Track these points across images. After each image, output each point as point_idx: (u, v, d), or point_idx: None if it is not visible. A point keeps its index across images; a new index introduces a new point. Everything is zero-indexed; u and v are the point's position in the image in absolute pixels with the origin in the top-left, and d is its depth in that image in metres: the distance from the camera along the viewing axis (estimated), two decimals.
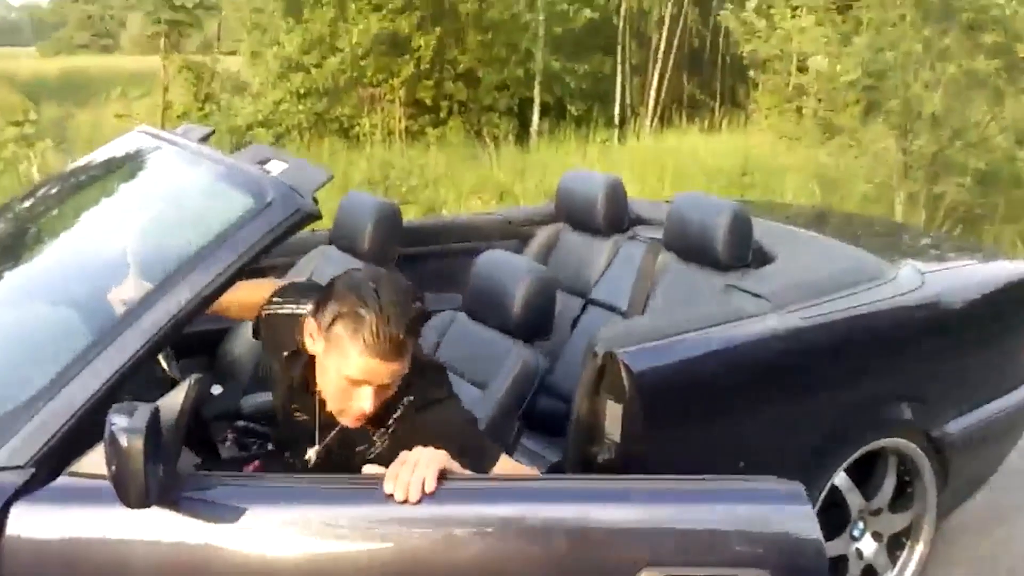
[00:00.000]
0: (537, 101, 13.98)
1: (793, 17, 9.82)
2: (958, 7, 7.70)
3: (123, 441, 1.36)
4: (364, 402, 1.73)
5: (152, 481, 1.39)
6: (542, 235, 3.32)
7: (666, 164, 9.24)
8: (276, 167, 2.04)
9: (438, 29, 13.57)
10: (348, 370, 1.71)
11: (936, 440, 2.62)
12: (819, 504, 2.40)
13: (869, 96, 8.72)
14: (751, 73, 11.95)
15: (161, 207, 2.16)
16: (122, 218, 2.19)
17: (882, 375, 2.52)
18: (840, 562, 2.57)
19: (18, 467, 1.53)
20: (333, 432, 1.87)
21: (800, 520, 1.53)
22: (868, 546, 2.62)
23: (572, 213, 3.24)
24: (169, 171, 2.22)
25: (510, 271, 2.39)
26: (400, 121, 13.05)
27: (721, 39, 15.72)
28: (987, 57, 7.78)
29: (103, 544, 1.53)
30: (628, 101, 15.19)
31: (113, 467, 1.38)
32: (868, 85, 8.25)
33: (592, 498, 1.60)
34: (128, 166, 2.34)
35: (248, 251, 1.73)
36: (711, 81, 16.32)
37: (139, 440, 1.36)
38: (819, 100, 9.78)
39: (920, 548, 2.70)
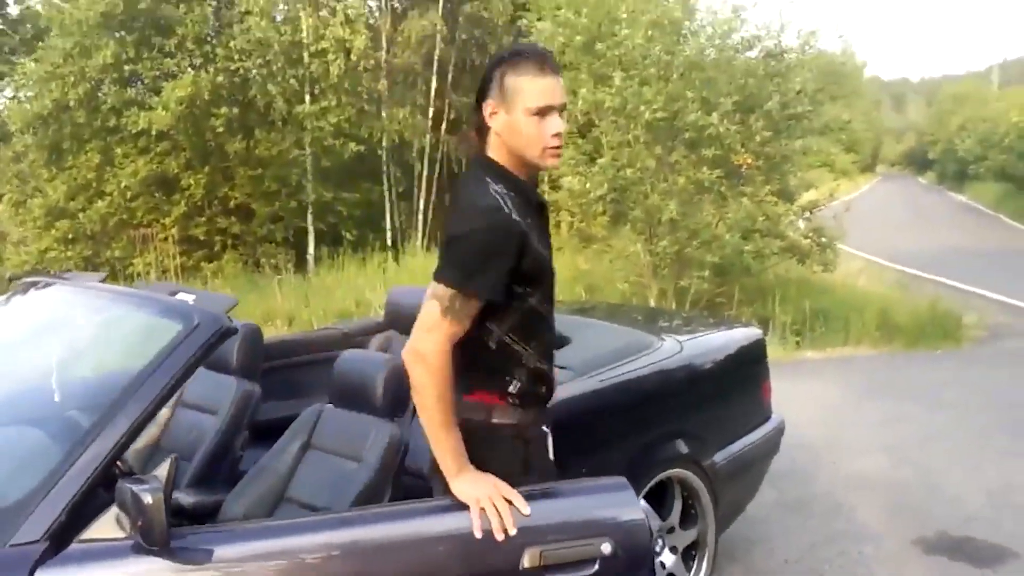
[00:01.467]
0: (311, 230, 14.58)
1: None
2: (681, 127, 9.04)
3: (148, 499, 1.84)
4: (556, 125, 2.02)
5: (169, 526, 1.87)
6: (375, 342, 3.90)
7: None
8: (188, 297, 2.58)
9: (207, 168, 13.91)
10: (532, 101, 1.99)
11: (707, 468, 3.39)
12: None
13: (615, 208, 9.92)
14: None
15: (99, 338, 2.59)
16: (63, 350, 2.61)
17: (661, 420, 3.28)
18: None
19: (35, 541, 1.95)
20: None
21: (626, 502, 2.20)
22: (668, 558, 3.32)
23: (400, 321, 3.84)
24: (91, 308, 2.66)
25: (370, 362, 2.96)
26: (175, 258, 13.21)
27: None
28: (709, 168, 9.18)
29: None
30: (397, 224, 16.04)
31: (139, 522, 1.85)
32: (613, 198, 9.42)
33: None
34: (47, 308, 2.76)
35: (185, 366, 2.24)
36: None
37: (161, 495, 1.84)
38: (572, 214, 10.91)
39: (707, 555, 3.43)
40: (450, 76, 16.69)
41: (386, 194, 15.82)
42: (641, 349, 3.40)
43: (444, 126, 16.63)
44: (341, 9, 14.03)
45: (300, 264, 14.13)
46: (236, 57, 13.45)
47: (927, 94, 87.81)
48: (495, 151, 2.09)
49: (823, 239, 10.20)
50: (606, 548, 2.12)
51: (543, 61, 2.02)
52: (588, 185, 9.40)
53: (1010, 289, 12.62)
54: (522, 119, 2.01)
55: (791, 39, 9.99)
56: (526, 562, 2.07)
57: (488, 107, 2.05)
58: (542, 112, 2.01)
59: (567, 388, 3.02)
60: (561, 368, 3.12)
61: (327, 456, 2.92)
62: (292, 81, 13.76)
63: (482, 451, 2.11)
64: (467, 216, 2.03)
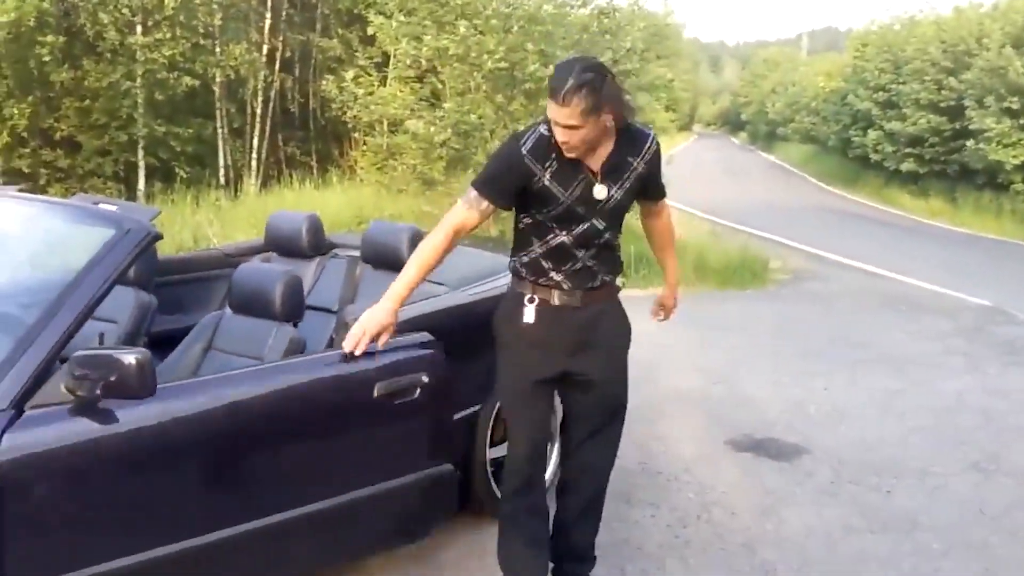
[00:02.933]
0: (142, 165, 14.27)
1: (384, 86, 11.28)
2: (520, 79, 9.53)
3: (132, 358, 2.23)
4: (560, 136, 2.61)
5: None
6: (255, 262, 4.21)
7: None
8: (110, 207, 2.86)
9: (31, 98, 13.37)
10: (550, 114, 2.62)
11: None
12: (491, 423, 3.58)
13: (455, 153, 10.33)
14: (356, 135, 13.32)
15: (35, 243, 2.84)
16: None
17: None
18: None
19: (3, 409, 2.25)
20: (602, 166, 2.74)
21: (434, 350, 2.73)
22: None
23: (280, 243, 4.18)
24: (22, 216, 2.90)
25: (268, 274, 3.31)
26: None
27: (315, 104, 17.01)
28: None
29: (78, 443, 2.31)
30: (230, 163, 15.89)
31: (112, 378, 2.22)
32: (455, 143, 9.84)
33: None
34: None
35: (120, 267, 2.56)
36: (308, 142, 17.50)
37: (148, 353, 2.24)
38: (413, 158, 11.20)
39: (555, 447, 3.97)
40: (284, 13, 16.60)
41: (219, 131, 15.62)
42: (500, 270, 3.87)
43: (278, 64, 16.54)
44: None
45: (130, 200, 13.85)
46: None
47: (742, 58, 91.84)
48: None
49: None
50: (424, 378, 3.06)
51: (555, 93, 2.57)
52: (432, 130, 9.77)
53: (811, 239, 13.94)
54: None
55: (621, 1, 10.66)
56: (375, 393, 2.95)
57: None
58: (556, 125, 2.62)
59: (443, 300, 3.49)
60: (437, 284, 3.58)
61: (228, 356, 3.26)
62: (125, 11, 13.37)
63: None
64: (504, 143, 2.86)
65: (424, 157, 10.97)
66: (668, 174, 9.81)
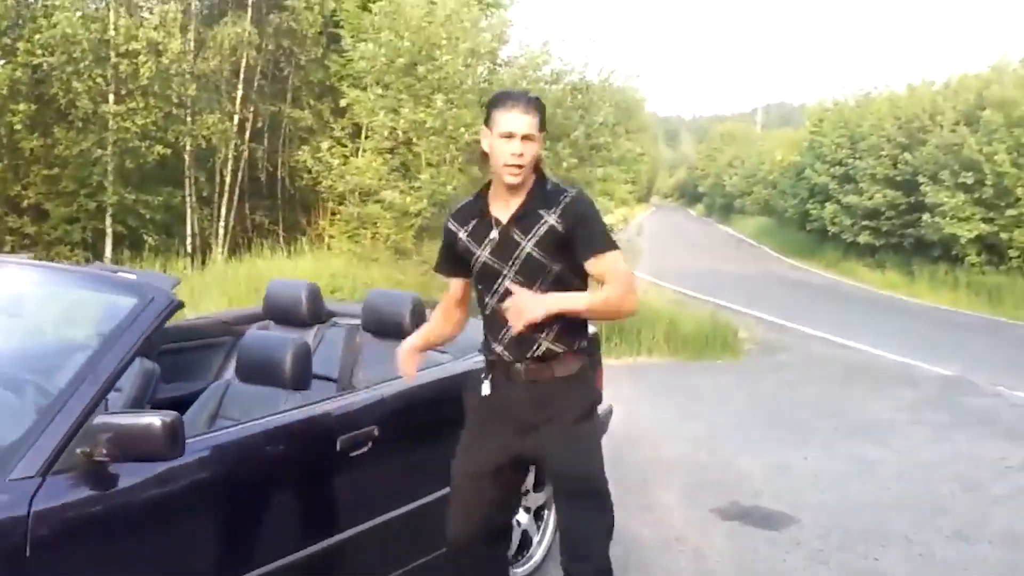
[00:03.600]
0: (109, 233, 14.21)
1: (356, 156, 11.42)
2: None
3: (158, 421, 2.28)
4: (514, 146, 2.56)
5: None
6: (252, 330, 4.23)
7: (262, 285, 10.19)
8: (129, 276, 2.90)
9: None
10: (499, 127, 2.59)
11: None
12: None
13: (428, 222, 10.44)
14: (326, 204, 13.40)
15: (57, 311, 2.86)
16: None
17: None
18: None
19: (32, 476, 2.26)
20: (510, 217, 2.66)
21: None
22: (523, 517, 3.86)
23: (279, 312, 4.21)
24: (40, 283, 2.92)
25: (276, 341, 3.34)
26: None
27: (284, 174, 17.09)
28: None
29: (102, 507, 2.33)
30: (197, 231, 15.87)
31: (141, 446, 2.26)
32: (432, 213, 9.95)
33: None
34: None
35: (144, 335, 2.60)
36: (276, 211, 17.53)
37: (177, 415, 2.28)
38: (387, 229, 11.27)
39: (554, 514, 4.00)
40: (256, 84, 16.75)
41: (188, 199, 15.63)
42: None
43: (249, 134, 16.65)
44: (158, 12, 13.83)
45: None
46: (39, 52, 13.02)
47: (698, 131, 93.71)
48: (489, 170, 2.74)
49: None
50: (375, 432, 3.11)
51: (516, 100, 2.63)
52: (408, 200, 9.89)
53: (774, 310, 14.17)
54: (495, 142, 2.63)
55: (593, 75, 10.93)
56: (338, 447, 3.02)
57: (483, 132, 2.71)
58: (507, 136, 2.59)
59: (447, 368, 3.54)
60: (442, 352, 3.64)
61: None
62: (99, 80, 13.45)
63: None
64: None
65: (396, 226, 11.08)
66: (638, 243, 10.01)
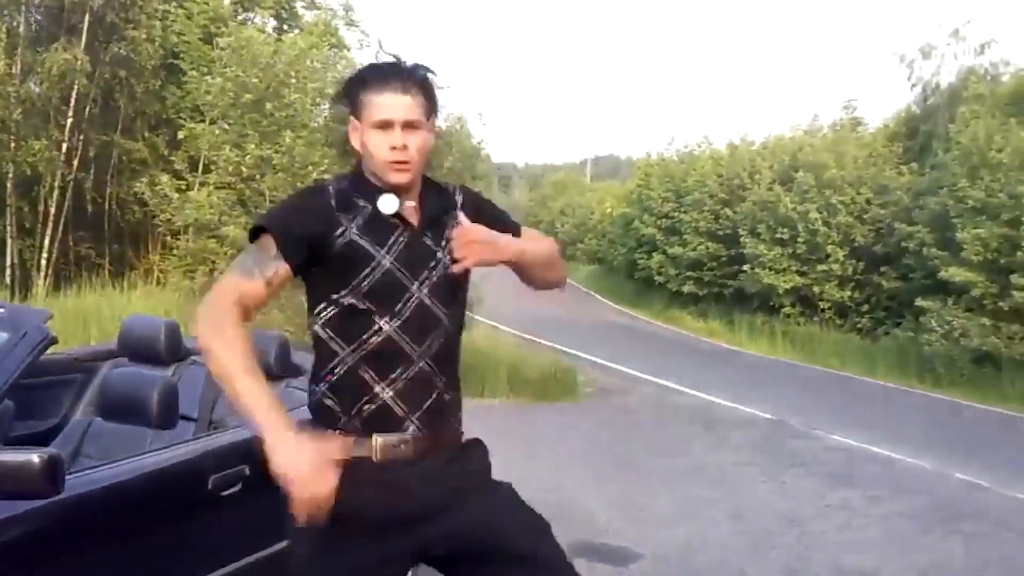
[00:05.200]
0: None
1: (201, 188, 11.19)
2: None
3: (37, 458, 2.23)
4: (395, 139, 1.90)
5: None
6: (106, 367, 4.11)
7: (95, 319, 9.79)
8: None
9: None
10: (376, 115, 1.92)
11: None
12: None
13: None
14: (163, 238, 13.00)
15: None
16: None
17: None
18: None
19: None
20: (421, 220, 2.02)
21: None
22: None
23: (135, 349, 4.10)
24: None
25: (142, 378, 3.28)
26: None
27: (113, 205, 16.44)
28: None
29: None
30: (16, 262, 15.05)
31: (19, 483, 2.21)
32: None
33: None
34: None
35: (18, 370, 2.54)
36: (102, 243, 16.81)
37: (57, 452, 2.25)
38: (226, 264, 10.99)
39: None
40: (87, 112, 16.11)
41: (8, 229, 14.81)
42: None
43: (77, 163, 15.97)
44: None
45: None
46: None
47: (530, 179, 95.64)
48: (366, 170, 2.03)
49: None
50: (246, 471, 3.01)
51: (390, 75, 1.96)
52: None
53: (607, 354, 14.66)
54: (371, 133, 1.95)
55: (441, 121, 11.13)
56: (209, 485, 2.96)
57: (352, 124, 2.01)
58: (384, 126, 1.94)
59: None
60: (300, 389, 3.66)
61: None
62: None
63: None
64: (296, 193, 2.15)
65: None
66: (482, 289, 10.13)
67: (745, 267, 21.24)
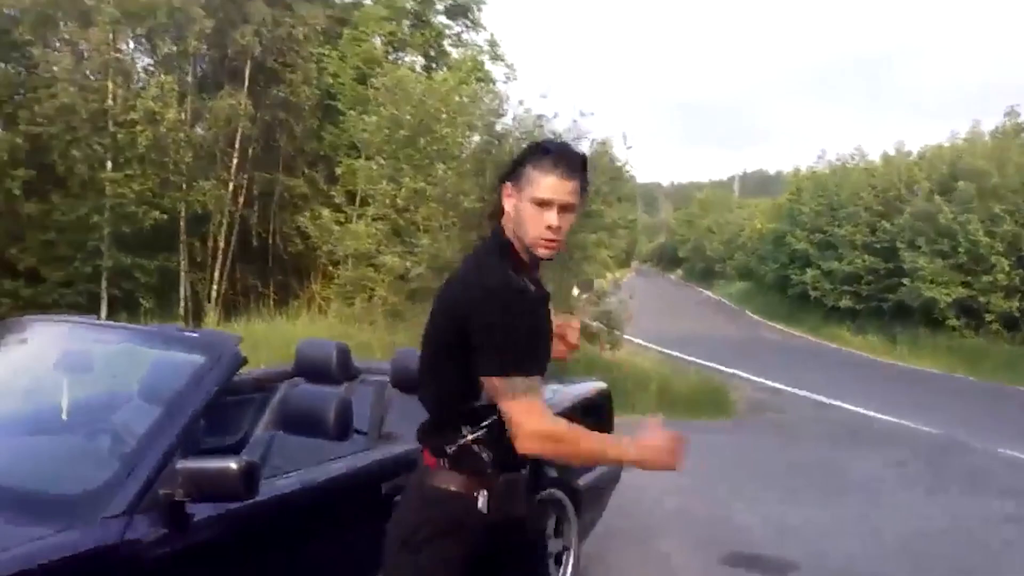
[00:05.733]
0: (104, 296, 14.41)
1: (359, 220, 11.71)
2: None
3: (235, 465, 2.46)
4: (550, 218, 2.07)
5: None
6: (284, 387, 4.44)
7: (264, 344, 10.37)
8: (194, 334, 3.13)
9: None
10: (537, 192, 2.07)
11: (573, 489, 4.18)
12: None
13: (424, 285, 10.67)
14: (323, 268, 13.70)
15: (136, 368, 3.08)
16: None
17: None
18: None
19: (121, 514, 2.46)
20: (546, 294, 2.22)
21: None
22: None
23: (309, 369, 4.42)
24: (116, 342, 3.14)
25: (320, 394, 3.55)
26: None
27: (277, 238, 17.36)
28: None
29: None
30: (189, 294, 16.09)
31: (219, 487, 2.45)
32: (429, 277, 10.20)
33: None
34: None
35: (215, 389, 2.81)
36: (267, 275, 17.78)
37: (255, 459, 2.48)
38: (384, 292, 11.47)
39: (572, 559, 4.20)
40: (250, 152, 17.10)
41: (181, 263, 15.88)
42: None
43: (242, 200, 16.98)
44: (156, 83, 14.21)
45: None
46: (39, 120, 13.34)
47: (675, 198, 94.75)
48: (508, 230, 2.20)
49: (609, 322, 11.46)
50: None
51: (559, 160, 2.12)
52: (408, 263, 10.15)
53: (761, 371, 14.44)
54: (527, 205, 2.11)
55: (585, 147, 11.32)
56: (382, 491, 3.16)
57: (506, 189, 2.18)
58: (543, 204, 2.10)
59: None
60: None
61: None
62: (97, 147, 13.75)
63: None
64: (499, 299, 2.10)
65: (392, 289, 11.31)
66: (630, 306, 10.21)
67: (905, 280, 20.51)
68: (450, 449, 2.22)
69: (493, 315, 2.09)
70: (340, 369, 4.40)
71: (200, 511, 2.62)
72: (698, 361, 14.95)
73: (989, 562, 5.44)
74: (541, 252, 2.14)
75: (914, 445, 9.19)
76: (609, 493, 4.69)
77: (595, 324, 11.32)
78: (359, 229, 11.14)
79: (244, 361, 2.96)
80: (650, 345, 16.75)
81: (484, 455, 2.21)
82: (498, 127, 11.12)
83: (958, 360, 18.03)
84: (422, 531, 2.23)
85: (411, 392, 4.17)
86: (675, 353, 16.03)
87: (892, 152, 24.91)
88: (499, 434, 2.15)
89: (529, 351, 2.12)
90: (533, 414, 2.09)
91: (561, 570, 4.21)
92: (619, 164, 12.21)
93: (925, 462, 8.38)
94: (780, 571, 5.00)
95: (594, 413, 4.66)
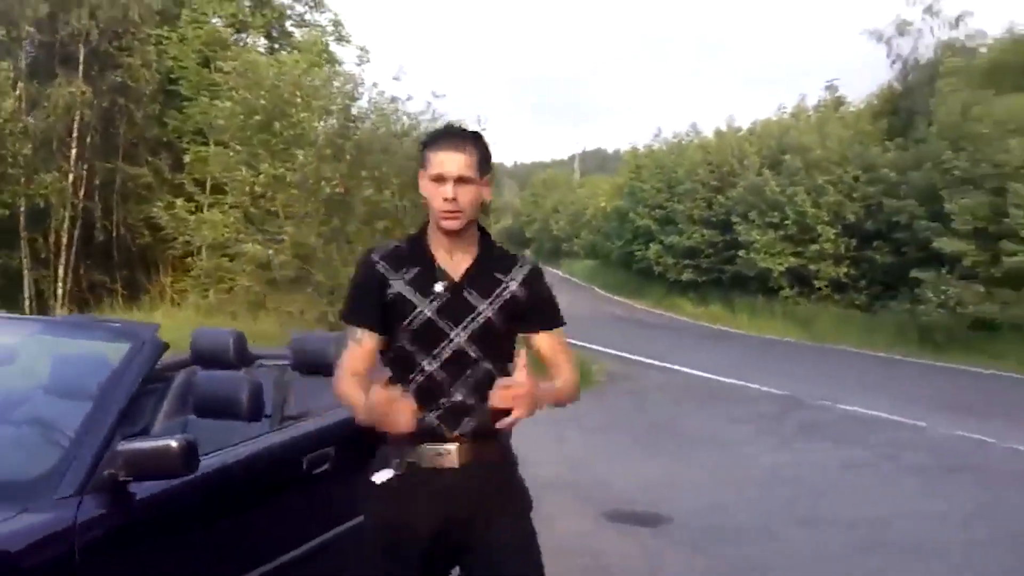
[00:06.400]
0: None
1: (211, 209, 11.60)
2: (355, 203, 10.14)
3: (175, 443, 2.61)
4: (446, 190, 2.21)
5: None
6: (181, 375, 4.53)
7: None
8: (115, 323, 3.24)
9: None
10: (432, 169, 2.25)
11: None
12: None
13: (289, 274, 10.72)
14: (174, 260, 13.44)
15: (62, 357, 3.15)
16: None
17: None
18: None
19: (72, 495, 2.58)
20: (463, 274, 2.32)
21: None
22: None
23: (206, 357, 4.51)
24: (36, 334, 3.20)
25: (233, 380, 3.69)
26: None
27: (123, 231, 16.84)
28: (382, 237, 10.35)
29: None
30: (34, 292, 15.46)
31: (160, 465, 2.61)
32: (297, 264, 10.26)
33: None
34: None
35: (140, 375, 2.94)
36: (114, 269, 17.23)
37: (191, 437, 2.63)
38: (248, 282, 11.43)
39: None
40: (89, 141, 16.51)
41: (23, 261, 15.24)
42: None
43: (83, 191, 16.39)
44: None
45: None
46: None
47: (519, 178, 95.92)
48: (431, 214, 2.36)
49: None
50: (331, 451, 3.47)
51: (447, 136, 2.32)
52: (271, 252, 10.16)
53: (612, 344, 15.10)
54: (428, 184, 2.29)
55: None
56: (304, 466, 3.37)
57: (420, 175, 2.34)
58: (438, 179, 2.24)
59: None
60: None
61: None
62: None
63: None
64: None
65: (255, 279, 11.28)
66: None
67: (741, 252, 21.68)
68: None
69: (355, 272, 2.46)
70: (237, 355, 4.53)
71: (140, 490, 2.76)
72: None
73: (836, 501, 6.06)
74: (445, 224, 2.28)
75: (758, 404, 9.93)
76: None
77: None
78: (215, 218, 11.02)
79: (166, 347, 3.09)
80: None
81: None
82: (354, 110, 11.23)
83: (792, 325, 19.28)
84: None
85: (312, 374, 4.38)
86: None
87: (724, 128, 26.19)
88: (423, 393, 2.30)
89: (351, 301, 2.41)
90: (340, 362, 2.39)
91: None
92: None
93: (769, 418, 9.09)
94: (656, 523, 5.44)
95: None
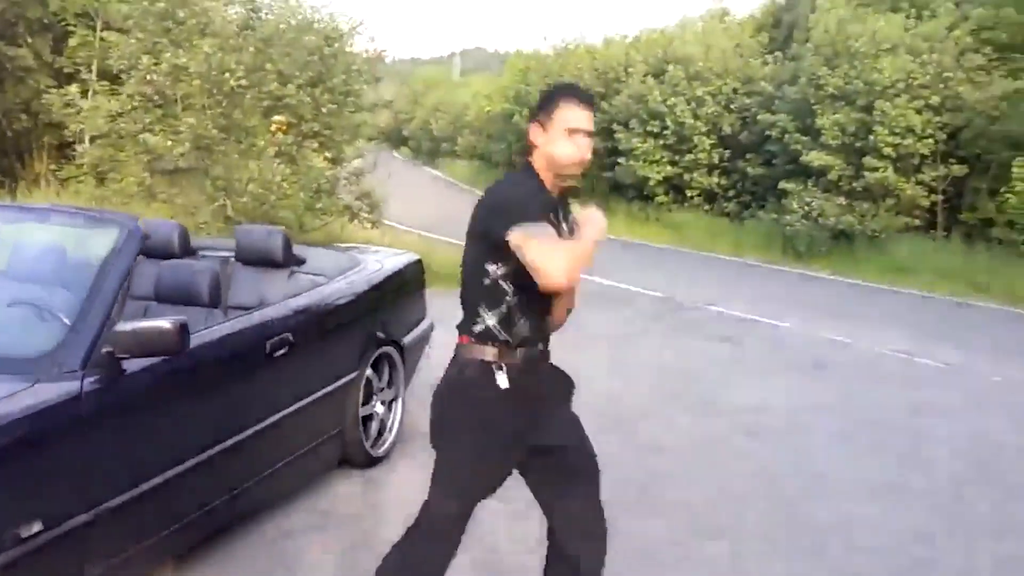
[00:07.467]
0: None
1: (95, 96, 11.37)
2: (258, 97, 10.16)
3: (168, 324, 2.95)
4: (583, 147, 2.59)
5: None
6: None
7: None
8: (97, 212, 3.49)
9: None
10: (569, 123, 2.56)
11: (401, 346, 4.89)
12: (362, 385, 4.50)
13: (185, 165, 10.63)
14: (52, 147, 13.07)
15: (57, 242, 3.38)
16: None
17: (375, 312, 4.71)
18: (370, 418, 4.69)
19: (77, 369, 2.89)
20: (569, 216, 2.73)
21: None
22: (379, 408, 4.77)
23: (152, 248, 4.70)
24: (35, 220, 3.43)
25: (194, 268, 3.98)
26: None
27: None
28: (284, 134, 10.44)
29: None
30: None
31: (156, 344, 2.95)
32: (196, 156, 10.20)
33: None
34: None
35: (132, 258, 3.24)
36: None
37: (184, 319, 2.98)
38: (144, 172, 11.22)
39: (401, 403, 4.94)
40: None
41: None
42: (357, 264, 4.80)
43: None
44: None
45: None
46: None
47: (399, 75, 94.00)
48: (537, 163, 2.67)
49: (369, 201, 12.02)
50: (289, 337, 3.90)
51: (586, 96, 2.65)
52: (169, 143, 10.09)
53: None
54: (560, 136, 2.59)
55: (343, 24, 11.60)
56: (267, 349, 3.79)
57: (535, 126, 2.65)
58: (574, 132, 2.59)
59: (327, 287, 4.37)
60: (316, 275, 4.45)
61: None
62: None
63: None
64: (513, 193, 2.61)
65: (150, 169, 11.12)
66: (387, 189, 10.79)
67: (620, 160, 22.33)
68: (476, 329, 2.63)
69: (509, 200, 2.56)
70: (181, 247, 4.79)
71: (131, 367, 3.08)
72: (452, 242, 15.82)
73: (717, 391, 6.78)
74: (575, 172, 2.65)
75: (640, 305, 10.64)
76: (422, 348, 5.44)
77: (355, 203, 11.80)
78: (111, 106, 10.83)
79: (147, 236, 3.37)
80: (399, 225, 17.43)
81: (501, 335, 2.62)
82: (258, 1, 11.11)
83: (667, 232, 20.15)
84: (456, 420, 2.67)
85: (254, 265, 4.70)
86: (417, 231, 16.83)
87: (612, 36, 26.54)
88: (514, 316, 2.62)
89: (535, 219, 2.47)
90: (546, 252, 2.39)
91: (392, 414, 4.95)
92: (377, 47, 12.54)
93: (652, 318, 9.81)
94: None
95: (413, 280, 5.37)
